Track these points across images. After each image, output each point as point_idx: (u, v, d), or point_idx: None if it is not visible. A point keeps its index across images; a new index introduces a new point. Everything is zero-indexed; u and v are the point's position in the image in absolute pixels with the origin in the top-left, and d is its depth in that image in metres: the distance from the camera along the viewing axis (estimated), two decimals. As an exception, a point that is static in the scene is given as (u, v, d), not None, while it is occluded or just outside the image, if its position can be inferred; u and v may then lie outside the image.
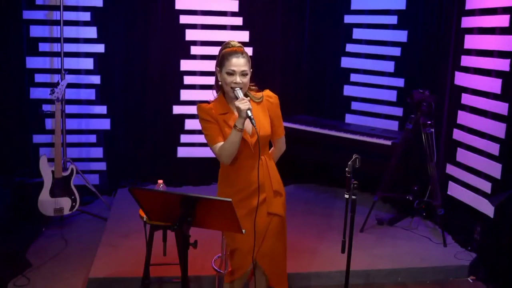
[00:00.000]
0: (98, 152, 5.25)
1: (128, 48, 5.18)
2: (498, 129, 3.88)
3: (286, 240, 2.84)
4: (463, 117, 4.34)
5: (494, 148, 3.93)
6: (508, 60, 3.80)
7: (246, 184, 2.64)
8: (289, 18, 5.57)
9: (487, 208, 3.98)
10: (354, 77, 5.48)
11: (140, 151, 5.38)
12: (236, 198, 2.55)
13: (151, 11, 5.16)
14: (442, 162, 4.57)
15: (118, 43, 5.14)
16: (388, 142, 4.65)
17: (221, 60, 2.58)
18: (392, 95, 5.24)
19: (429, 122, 4.18)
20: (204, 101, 2.71)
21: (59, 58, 4.74)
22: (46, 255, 3.94)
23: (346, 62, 5.51)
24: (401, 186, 4.67)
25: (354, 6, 5.39)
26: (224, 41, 2.66)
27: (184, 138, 5.41)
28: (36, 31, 4.92)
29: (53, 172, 4.38)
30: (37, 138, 5.07)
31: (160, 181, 3.20)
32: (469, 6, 4.27)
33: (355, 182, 2.64)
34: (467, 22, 4.30)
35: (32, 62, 4.96)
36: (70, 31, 4.94)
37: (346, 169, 2.67)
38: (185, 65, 5.29)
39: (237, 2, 5.26)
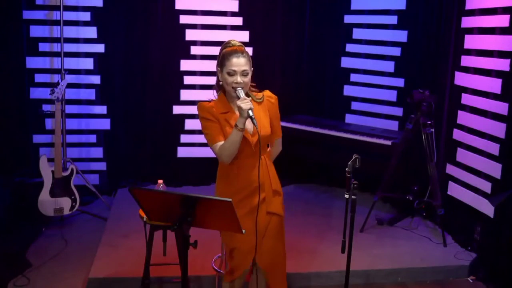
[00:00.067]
0: (98, 152, 5.25)
1: (128, 48, 5.18)
2: (498, 129, 3.88)
3: (285, 239, 2.84)
4: (463, 117, 4.34)
5: (494, 148, 3.93)
6: (508, 60, 3.80)
7: (246, 184, 2.64)
8: (289, 18, 5.57)
9: (487, 208, 3.98)
10: (354, 77, 5.48)
11: (140, 151, 5.38)
12: (236, 198, 2.55)
13: (151, 11, 5.16)
14: (442, 162, 4.57)
15: (118, 43, 5.14)
16: (388, 142, 4.65)
17: (222, 60, 2.58)
18: (392, 95, 5.24)
19: (429, 122, 4.18)
20: (205, 100, 2.71)
21: (59, 58, 4.74)
22: (46, 255, 3.94)
23: (346, 62, 5.51)
24: (401, 186, 4.66)
25: (354, 6, 5.39)
26: (224, 41, 2.66)
27: (184, 138, 5.41)
28: (36, 31, 4.92)
29: (53, 172, 4.38)
30: (37, 138, 5.07)
31: (160, 181, 3.20)
32: (469, 6, 4.27)
33: (355, 182, 2.64)
34: (467, 22, 4.30)
35: (32, 62, 4.96)
36: (70, 31, 4.94)
37: (346, 169, 2.67)
38: (185, 65, 5.29)
39: (237, 2, 5.26)
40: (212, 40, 5.21)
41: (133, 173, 5.37)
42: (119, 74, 5.22)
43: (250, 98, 2.59)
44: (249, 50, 4.85)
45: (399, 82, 5.17)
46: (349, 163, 2.68)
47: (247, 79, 2.56)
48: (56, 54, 4.83)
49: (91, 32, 5.02)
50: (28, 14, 4.88)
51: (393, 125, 5.23)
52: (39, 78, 4.99)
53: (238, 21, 5.29)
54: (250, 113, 2.45)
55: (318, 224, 4.56)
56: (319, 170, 5.63)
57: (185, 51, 5.26)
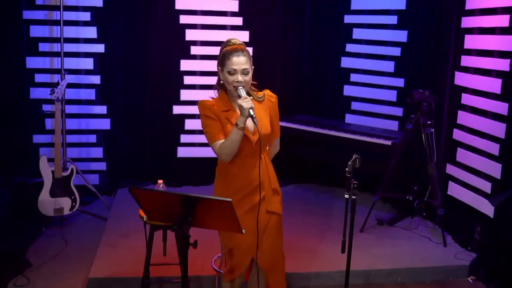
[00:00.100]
0: (98, 152, 5.25)
1: (128, 48, 5.18)
2: (498, 129, 3.88)
3: (283, 239, 2.84)
4: (463, 117, 4.34)
5: (494, 148, 3.93)
6: (508, 60, 3.80)
7: (246, 183, 2.64)
8: (289, 18, 5.57)
9: (487, 208, 3.98)
10: (354, 77, 5.48)
11: (140, 151, 5.38)
12: (235, 197, 2.56)
13: (151, 11, 5.16)
14: (442, 162, 4.57)
15: (118, 43, 5.14)
16: (388, 142, 4.65)
17: (222, 59, 2.57)
18: (392, 95, 5.24)
19: (429, 122, 4.18)
20: (206, 98, 2.70)
21: (59, 58, 4.74)
22: (46, 255, 3.94)
23: (346, 62, 5.51)
24: (401, 186, 4.66)
25: (354, 6, 5.38)
26: (221, 45, 2.66)
27: (184, 138, 5.41)
28: (36, 31, 4.92)
29: (53, 172, 4.38)
30: (37, 138, 5.07)
31: (160, 181, 3.20)
32: (469, 6, 4.27)
33: (355, 182, 2.64)
34: (467, 22, 4.30)
35: (32, 62, 4.96)
36: (70, 31, 4.94)
37: (346, 169, 2.67)
38: (185, 65, 5.29)
39: (237, 2, 5.26)
40: (212, 40, 5.21)
41: (133, 173, 5.37)
42: (119, 74, 5.22)
43: (252, 97, 2.59)
44: (249, 50, 4.85)
45: (399, 82, 5.17)
46: (349, 163, 2.68)
47: (248, 77, 2.55)
48: (56, 54, 4.83)
49: (91, 32, 5.02)
50: (28, 14, 4.88)
51: (393, 125, 5.23)
52: (39, 78, 4.99)
53: (238, 21, 5.29)
54: (251, 112, 2.45)
55: (318, 224, 4.56)
56: (319, 170, 5.63)
57: (185, 51, 5.26)
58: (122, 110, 5.26)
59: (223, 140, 2.57)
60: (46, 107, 4.79)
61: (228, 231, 2.65)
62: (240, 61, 2.52)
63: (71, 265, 3.82)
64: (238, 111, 2.53)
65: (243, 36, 5.24)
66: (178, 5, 5.16)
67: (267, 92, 2.75)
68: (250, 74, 2.57)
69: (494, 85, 3.96)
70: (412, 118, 4.24)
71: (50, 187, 4.37)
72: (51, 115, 4.70)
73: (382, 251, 4.07)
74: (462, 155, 4.35)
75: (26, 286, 3.52)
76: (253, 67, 2.60)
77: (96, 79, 5.12)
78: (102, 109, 5.19)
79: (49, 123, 5.03)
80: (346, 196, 2.71)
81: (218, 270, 3.52)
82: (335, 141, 4.98)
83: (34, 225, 4.41)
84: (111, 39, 5.09)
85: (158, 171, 5.22)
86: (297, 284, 3.68)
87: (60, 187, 4.40)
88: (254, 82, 2.68)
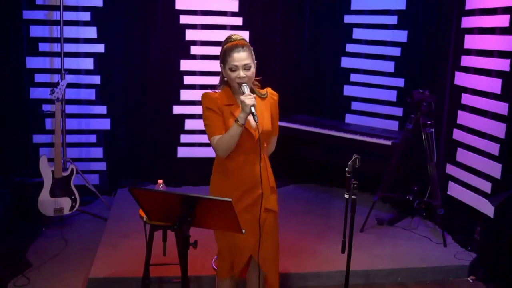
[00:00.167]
0: (98, 152, 5.25)
1: (128, 48, 5.18)
2: (498, 129, 3.88)
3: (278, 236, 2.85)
4: (463, 117, 4.34)
5: (494, 148, 3.93)
6: (508, 60, 3.80)
7: (245, 179, 2.64)
8: (289, 18, 5.57)
9: (487, 208, 3.98)
10: (354, 77, 5.48)
11: (140, 151, 5.38)
12: (234, 194, 2.56)
13: (151, 11, 5.16)
14: (442, 162, 4.57)
15: (118, 43, 5.14)
16: (388, 142, 4.65)
17: (223, 56, 2.57)
18: (392, 95, 5.24)
19: (429, 122, 4.18)
20: (210, 90, 2.69)
21: (59, 58, 4.74)
22: (46, 255, 3.94)
23: (346, 62, 5.51)
24: (401, 186, 4.67)
25: (354, 6, 5.38)
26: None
27: (184, 138, 5.41)
28: (36, 31, 4.92)
29: (53, 172, 4.38)
30: (37, 138, 5.07)
31: (160, 181, 3.20)
32: (469, 6, 4.27)
33: (355, 182, 2.64)
34: (467, 22, 4.30)
35: (32, 62, 4.96)
36: (70, 31, 4.94)
37: (346, 169, 2.67)
38: (185, 65, 5.29)
39: (237, 2, 5.26)
40: (212, 40, 5.21)
41: (133, 173, 5.37)
42: (119, 74, 5.22)
43: (255, 94, 2.59)
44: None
45: (399, 82, 5.16)
46: (349, 163, 2.68)
47: (250, 72, 2.55)
48: (56, 54, 4.83)
49: (91, 32, 5.02)
50: (28, 14, 4.88)
51: (393, 125, 5.23)
52: (39, 78, 4.98)
53: (238, 21, 5.29)
54: (253, 109, 2.44)
55: (318, 224, 4.56)
56: (319, 170, 5.63)
57: (185, 51, 5.26)
58: (122, 110, 5.26)
59: (222, 135, 2.57)
60: (46, 107, 4.79)
61: (228, 231, 2.65)
62: (241, 57, 2.52)
63: (71, 265, 3.82)
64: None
65: (243, 36, 5.21)
66: (178, 5, 5.16)
67: (269, 90, 2.75)
68: (253, 69, 2.56)
69: (494, 85, 3.96)
70: (412, 118, 4.24)
71: (50, 187, 4.37)
72: (51, 115, 4.71)
73: (382, 251, 4.07)
74: (462, 155, 4.35)
75: (26, 286, 3.52)
76: (255, 61, 2.59)
77: (96, 79, 5.12)
78: (102, 109, 5.19)
79: (49, 123, 5.03)
80: (346, 196, 2.71)
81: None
82: (335, 141, 4.98)
83: (34, 225, 4.41)
84: (111, 39, 5.09)
85: (158, 171, 5.22)
86: (297, 284, 3.68)
87: (60, 187, 4.40)
88: (258, 78, 2.67)
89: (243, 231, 2.25)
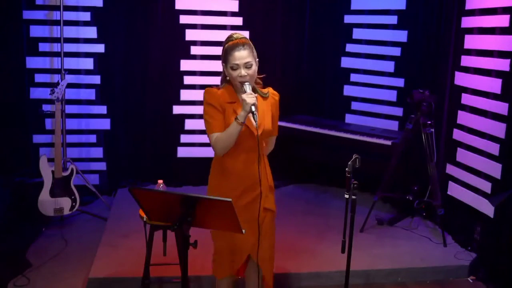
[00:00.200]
0: (98, 152, 5.25)
1: (128, 48, 5.18)
2: (498, 129, 3.88)
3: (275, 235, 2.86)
4: (463, 117, 4.34)
5: (494, 148, 3.93)
6: (508, 60, 3.80)
7: (244, 178, 2.64)
8: (289, 18, 5.57)
9: (487, 208, 3.98)
10: (354, 77, 5.48)
11: (140, 151, 5.38)
12: (233, 193, 2.56)
13: (151, 11, 5.16)
14: (442, 162, 4.57)
15: (118, 43, 5.14)
16: (388, 142, 4.65)
17: (225, 55, 2.57)
18: (392, 95, 5.24)
19: (429, 122, 4.18)
20: (213, 85, 2.68)
21: (59, 58, 4.74)
22: (46, 255, 3.94)
23: (346, 62, 5.51)
24: (401, 186, 4.66)
25: (354, 6, 5.38)
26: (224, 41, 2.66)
27: (184, 138, 5.41)
28: (36, 31, 4.91)
29: (53, 172, 4.38)
30: (37, 138, 5.07)
31: (160, 181, 3.19)
32: (469, 6, 4.27)
33: (355, 182, 2.64)
34: (467, 22, 4.30)
35: (32, 62, 4.96)
36: (70, 31, 4.94)
37: (346, 169, 2.67)
38: (185, 65, 5.29)
39: (237, 2, 5.26)
40: (212, 40, 5.21)
41: (133, 173, 5.37)
42: (119, 74, 5.22)
43: (257, 94, 2.58)
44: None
45: (399, 82, 5.16)
46: (349, 163, 2.68)
47: (251, 71, 2.54)
48: (56, 54, 4.83)
49: (91, 32, 5.02)
50: (28, 14, 4.88)
51: (393, 125, 5.23)
52: (39, 78, 4.98)
53: (238, 21, 5.29)
54: (253, 108, 2.44)
55: (318, 224, 4.56)
56: (319, 170, 5.63)
57: (185, 51, 5.26)
58: (122, 110, 5.26)
59: (221, 133, 2.57)
60: (46, 107, 4.79)
61: (228, 231, 2.65)
62: (242, 55, 2.51)
63: (71, 265, 3.82)
64: None
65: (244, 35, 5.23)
66: (178, 5, 5.16)
67: (271, 90, 2.75)
68: (254, 67, 2.56)
69: (494, 85, 3.96)
70: (412, 118, 4.24)
71: (50, 187, 4.37)
72: (51, 115, 4.70)
73: (382, 251, 4.07)
74: (462, 155, 4.35)
75: (26, 286, 3.52)
76: (257, 59, 2.59)
77: (96, 79, 5.12)
78: (102, 109, 5.19)
79: (49, 123, 5.03)
80: (346, 196, 2.71)
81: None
82: (335, 141, 4.98)
83: (34, 225, 4.40)
84: (111, 39, 5.09)
85: (158, 171, 5.22)
86: (297, 284, 3.68)
87: (60, 187, 4.40)
88: (261, 76, 2.67)
89: (243, 231, 2.25)
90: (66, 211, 4.44)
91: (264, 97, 2.68)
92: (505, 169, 3.83)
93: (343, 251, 2.80)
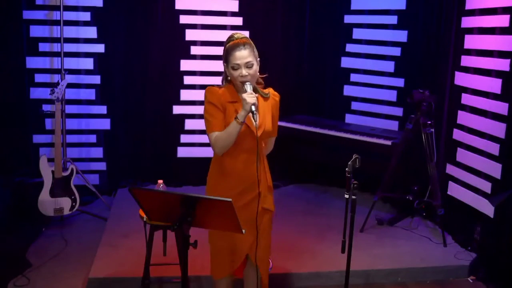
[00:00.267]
0: (98, 152, 5.25)
1: (128, 48, 5.18)
2: (498, 129, 3.88)
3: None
4: (463, 117, 4.34)
5: (494, 148, 3.93)
6: (508, 60, 3.80)
7: (243, 178, 2.63)
8: (289, 18, 5.57)
9: (487, 208, 3.98)
10: (354, 77, 5.48)
11: (140, 151, 5.38)
12: (231, 192, 2.56)
13: (151, 11, 5.16)
14: (442, 162, 4.57)
15: (118, 43, 5.14)
16: (388, 142, 4.65)
17: (226, 55, 2.57)
18: (392, 95, 5.24)
19: (429, 122, 4.18)
20: (215, 85, 2.68)
21: (59, 58, 4.74)
22: (46, 255, 3.94)
23: (346, 62, 5.51)
24: (401, 186, 4.66)
25: (354, 6, 5.39)
26: (225, 41, 2.65)
27: (184, 138, 5.41)
28: (36, 31, 4.91)
29: (53, 172, 4.38)
30: (37, 138, 5.07)
31: (160, 181, 3.19)
32: (469, 6, 4.27)
33: (355, 182, 2.64)
34: (467, 22, 4.30)
35: (32, 62, 4.96)
36: (70, 31, 4.94)
37: (346, 169, 2.67)
38: (185, 65, 5.29)
39: (237, 2, 5.26)
40: (212, 40, 5.21)
41: (133, 173, 5.36)
42: (119, 74, 5.21)
43: (258, 94, 2.58)
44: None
45: (399, 82, 5.17)
46: (349, 163, 2.68)
47: (252, 70, 2.54)
48: (56, 54, 4.83)
49: (91, 32, 5.02)
50: (28, 14, 4.88)
51: (393, 125, 5.23)
52: (39, 78, 4.98)
53: (238, 21, 5.29)
54: (253, 108, 2.44)
55: (318, 224, 4.56)
56: (319, 170, 5.63)
57: (185, 51, 5.26)
58: (122, 110, 5.26)
59: (221, 132, 2.57)
60: (46, 107, 4.79)
61: (228, 231, 2.65)
62: (242, 55, 2.51)
63: (71, 265, 3.81)
64: None
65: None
66: (178, 5, 5.16)
67: (271, 90, 2.75)
68: (255, 67, 2.55)
69: (494, 85, 3.96)
70: (412, 118, 4.23)
71: (50, 187, 4.37)
72: (51, 115, 4.70)
73: (382, 251, 4.07)
74: (462, 155, 4.35)
75: (26, 286, 3.52)
76: (258, 59, 2.59)
77: (96, 79, 5.12)
78: (102, 109, 5.19)
79: (49, 123, 5.02)
80: (346, 196, 2.71)
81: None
82: (335, 141, 4.98)
83: (34, 225, 4.40)
84: (111, 39, 5.09)
85: (158, 171, 5.22)
86: (297, 284, 3.68)
87: (60, 187, 4.40)
88: (263, 75, 2.67)
89: (243, 231, 2.25)
90: (66, 211, 4.44)
91: (265, 97, 2.68)
92: (505, 169, 3.83)
93: (343, 251, 2.80)
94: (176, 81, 5.30)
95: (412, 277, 3.84)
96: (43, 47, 4.94)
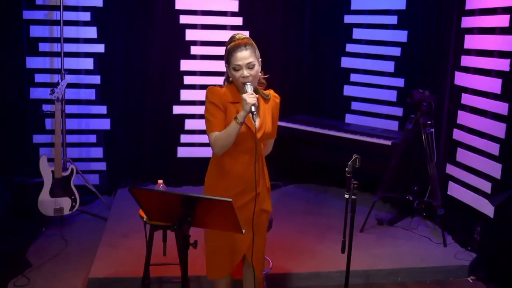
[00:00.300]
0: (98, 152, 5.25)
1: (128, 48, 5.18)
2: (498, 129, 3.88)
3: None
4: (463, 117, 4.34)
5: (494, 148, 3.93)
6: (508, 60, 3.80)
7: (242, 179, 2.63)
8: (289, 18, 5.57)
9: (487, 208, 3.98)
10: (354, 77, 5.48)
11: (140, 151, 5.38)
12: (229, 192, 2.55)
13: (151, 11, 5.16)
14: (442, 162, 4.57)
15: (118, 43, 5.14)
16: (388, 142, 4.65)
17: (227, 56, 2.57)
18: (392, 95, 5.24)
19: (429, 122, 4.18)
20: (216, 85, 2.68)
21: (59, 58, 4.74)
22: (46, 255, 3.94)
23: (346, 62, 5.51)
24: (401, 186, 4.66)
25: (354, 6, 5.39)
26: (225, 41, 2.65)
27: (184, 138, 5.41)
28: (36, 31, 4.91)
29: (53, 172, 4.38)
30: (37, 138, 5.07)
31: (160, 181, 3.20)
32: (469, 6, 4.27)
33: (355, 182, 2.64)
34: (467, 22, 4.30)
35: (32, 62, 4.96)
36: (70, 31, 4.94)
37: (346, 169, 2.67)
38: (185, 65, 5.29)
39: (237, 2, 5.26)
40: (212, 40, 5.21)
41: (133, 173, 5.36)
42: (119, 74, 5.22)
43: (258, 95, 2.58)
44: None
45: (399, 82, 5.17)
46: (349, 163, 2.68)
47: (254, 71, 2.54)
48: (56, 54, 4.83)
49: (91, 32, 5.02)
50: (28, 14, 4.88)
51: (393, 125, 5.23)
52: (39, 78, 4.98)
53: (238, 21, 5.29)
54: (253, 108, 2.44)
55: (318, 224, 4.56)
56: (319, 170, 5.63)
57: (185, 51, 5.26)
58: (122, 110, 5.26)
59: (220, 132, 2.56)
60: (46, 107, 4.78)
61: (228, 231, 2.65)
62: (244, 56, 2.51)
63: (71, 265, 3.81)
64: None
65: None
66: (178, 5, 5.16)
67: (272, 92, 2.75)
68: (257, 67, 2.55)
69: (494, 85, 3.96)
70: (412, 118, 4.24)
71: (50, 187, 4.37)
72: (51, 115, 4.70)
73: (382, 251, 4.07)
74: (462, 155, 4.35)
75: (26, 286, 3.52)
76: (260, 60, 2.59)
77: (96, 79, 5.12)
78: (102, 109, 5.19)
79: (49, 123, 5.02)
80: (346, 196, 2.71)
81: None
82: (335, 141, 4.98)
83: (34, 225, 4.40)
84: (111, 39, 5.09)
85: (158, 171, 5.22)
86: (297, 284, 3.68)
87: (60, 187, 4.40)
88: (266, 76, 2.67)
89: (243, 231, 2.25)
90: (66, 211, 4.44)
91: (266, 99, 2.67)
92: (505, 169, 3.83)
93: (343, 251, 2.80)
94: (176, 81, 5.30)
95: (412, 277, 3.84)
96: (43, 47, 4.94)
